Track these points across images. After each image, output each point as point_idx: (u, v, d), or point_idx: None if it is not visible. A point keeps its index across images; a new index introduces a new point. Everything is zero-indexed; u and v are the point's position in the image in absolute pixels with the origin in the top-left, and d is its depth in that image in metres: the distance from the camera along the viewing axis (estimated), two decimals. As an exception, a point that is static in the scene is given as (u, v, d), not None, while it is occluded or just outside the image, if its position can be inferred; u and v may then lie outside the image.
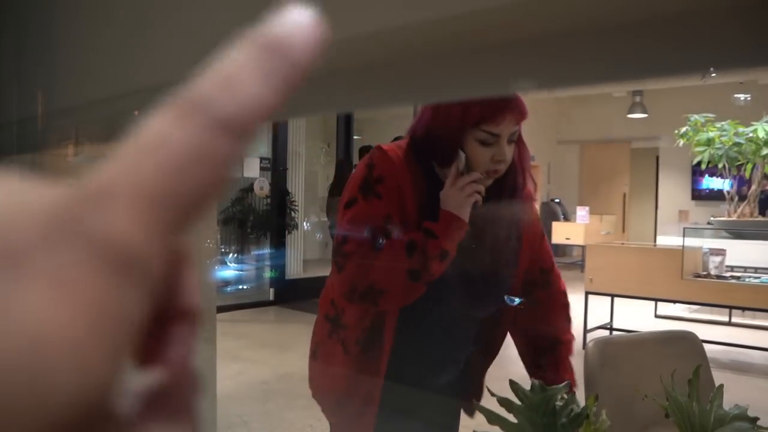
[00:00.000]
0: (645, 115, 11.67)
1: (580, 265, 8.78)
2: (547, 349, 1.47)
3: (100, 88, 0.92)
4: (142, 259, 0.17)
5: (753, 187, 5.75)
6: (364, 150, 7.33)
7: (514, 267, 1.44)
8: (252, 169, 7.78)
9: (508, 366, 1.54)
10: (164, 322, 0.21)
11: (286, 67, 0.19)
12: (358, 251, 1.28)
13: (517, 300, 1.45)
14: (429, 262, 1.27)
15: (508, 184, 1.38)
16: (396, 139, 5.51)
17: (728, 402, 0.86)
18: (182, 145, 0.17)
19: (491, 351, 1.52)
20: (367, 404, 1.38)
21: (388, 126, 10.13)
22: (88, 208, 0.16)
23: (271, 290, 7.62)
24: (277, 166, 7.76)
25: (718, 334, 5.62)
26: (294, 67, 0.19)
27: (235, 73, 0.18)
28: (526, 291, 1.47)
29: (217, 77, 0.18)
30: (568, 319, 1.51)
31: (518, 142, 1.34)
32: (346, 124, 8.19)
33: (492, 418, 0.71)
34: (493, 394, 0.77)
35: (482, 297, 1.42)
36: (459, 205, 1.29)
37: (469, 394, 1.51)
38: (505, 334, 1.52)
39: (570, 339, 1.48)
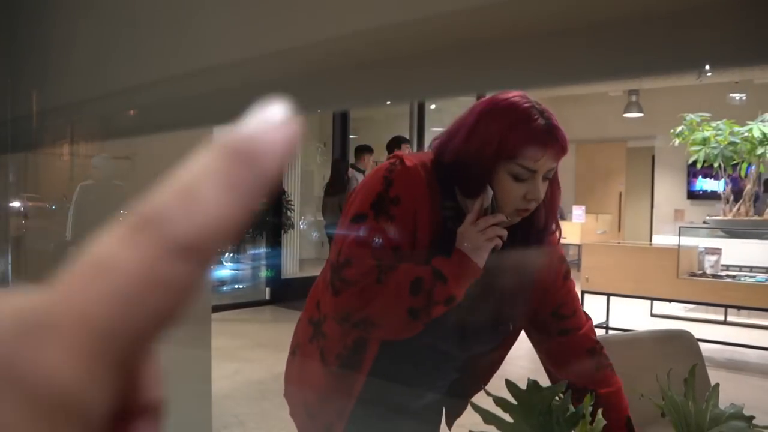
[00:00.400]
0: (641, 115, 11.68)
1: (576, 265, 8.80)
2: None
3: (94, 85, 0.92)
4: (80, 399, 0.15)
5: (748, 186, 5.77)
6: (359, 150, 7.32)
7: (521, 308, 1.34)
8: (247, 168, 7.76)
9: (504, 366, 1.53)
10: (125, 419, 0.19)
11: (254, 178, 0.17)
12: (360, 281, 1.17)
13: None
14: (433, 306, 1.16)
15: (534, 226, 1.27)
16: (394, 139, 5.48)
17: (724, 401, 0.86)
18: (131, 269, 0.16)
19: (481, 379, 1.40)
20: (337, 420, 1.32)
21: (385, 125, 10.13)
22: (26, 344, 0.15)
23: (267, 289, 7.62)
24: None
25: (713, 333, 5.62)
26: (263, 177, 0.17)
27: (196, 186, 0.16)
28: (538, 336, 1.36)
29: (176, 190, 0.16)
30: (601, 367, 1.32)
31: (552, 179, 1.22)
32: (341, 124, 8.18)
33: (488, 417, 0.71)
34: (489, 394, 0.77)
35: (477, 337, 1.32)
36: (476, 248, 1.17)
37: (450, 414, 1.46)
38: (499, 365, 1.41)
39: (610, 391, 1.28)
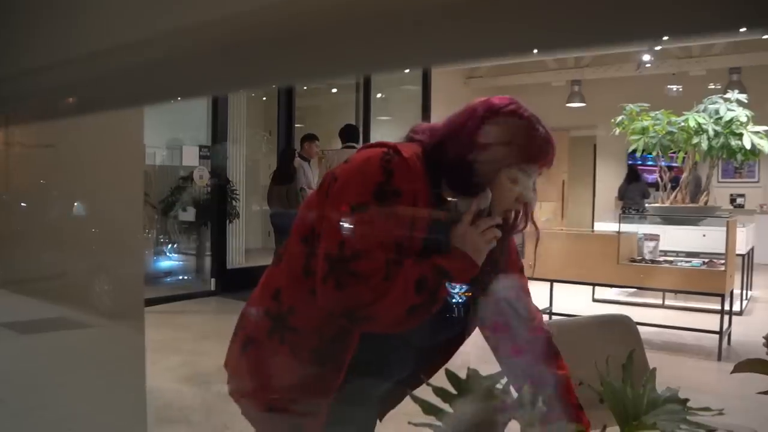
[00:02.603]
0: (583, 105, 11.91)
1: (520, 251, 8.95)
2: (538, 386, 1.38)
3: (29, 58, 0.86)
4: None
5: (684, 174, 5.95)
6: (303, 138, 7.24)
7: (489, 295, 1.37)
8: (191, 157, 7.61)
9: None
10: None
11: None
12: (372, 276, 1.13)
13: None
14: (435, 304, 1.18)
15: (509, 223, 1.32)
16: (347, 127, 5.46)
17: (663, 382, 0.87)
18: None
19: (437, 367, 1.41)
20: (312, 416, 1.27)
21: (330, 114, 10.06)
22: None
23: (213, 280, 7.49)
24: (217, 154, 7.61)
25: (652, 316, 5.79)
26: None
27: None
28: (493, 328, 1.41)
29: None
30: (553, 352, 1.42)
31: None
32: (287, 112, 8.08)
33: (427, 408, 0.70)
34: (428, 384, 0.75)
35: (456, 323, 1.35)
36: (477, 250, 1.22)
37: (393, 402, 1.45)
38: (458, 347, 1.43)
39: (564, 374, 1.38)
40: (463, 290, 1.32)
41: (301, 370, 1.26)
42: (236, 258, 8.12)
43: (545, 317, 5.63)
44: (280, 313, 1.27)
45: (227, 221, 7.76)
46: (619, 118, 5.98)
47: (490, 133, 1.22)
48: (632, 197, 9.56)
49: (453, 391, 0.73)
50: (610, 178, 12.49)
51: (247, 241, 8.72)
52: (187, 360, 4.62)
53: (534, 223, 1.38)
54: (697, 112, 5.59)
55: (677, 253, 5.82)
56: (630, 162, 9.82)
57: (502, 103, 1.25)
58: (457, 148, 1.23)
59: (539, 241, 1.43)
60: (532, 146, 1.22)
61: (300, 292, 1.24)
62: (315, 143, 7.15)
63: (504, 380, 0.75)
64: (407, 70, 8.38)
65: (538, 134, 1.23)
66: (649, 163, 8.33)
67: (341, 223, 1.16)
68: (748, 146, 5.34)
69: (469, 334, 1.42)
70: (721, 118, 5.42)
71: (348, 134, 6.54)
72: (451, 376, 0.74)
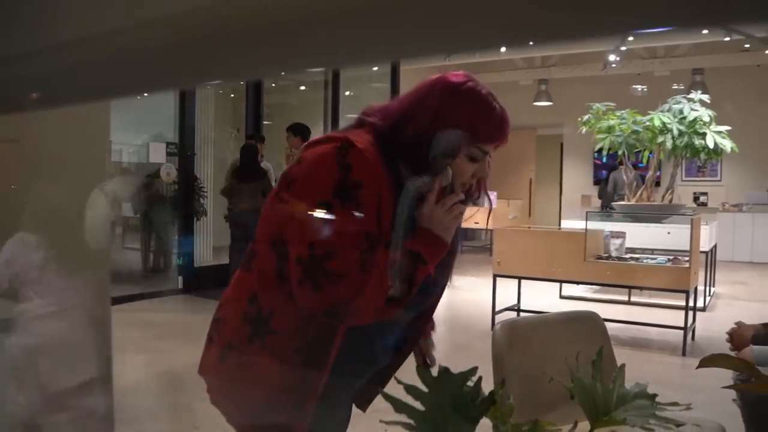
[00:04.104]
0: (550, 103, 12.04)
1: (488, 249, 9.01)
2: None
3: None
4: None
5: (649, 173, 6.04)
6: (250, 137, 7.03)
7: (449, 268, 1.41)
8: (158, 154, 7.50)
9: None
10: None
11: None
12: (347, 273, 1.13)
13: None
14: (413, 289, 1.19)
15: (468, 197, 1.34)
16: (301, 126, 5.41)
17: (629, 377, 0.87)
18: None
19: (412, 348, 1.48)
20: (299, 414, 1.25)
21: (299, 111, 10.01)
22: None
23: (180, 278, 7.40)
24: (184, 152, 7.51)
25: (618, 313, 5.88)
26: None
27: None
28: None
29: None
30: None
31: None
32: (255, 109, 8.00)
33: (399, 406, 0.69)
34: (399, 382, 0.75)
35: (428, 302, 1.38)
36: (446, 228, 1.23)
37: (372, 392, 1.46)
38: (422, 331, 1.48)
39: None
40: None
41: (286, 372, 1.25)
42: (204, 256, 8.03)
43: (513, 314, 5.67)
44: (260, 317, 1.25)
45: (195, 219, 7.67)
46: (586, 117, 6.04)
47: (449, 112, 1.21)
48: (609, 196, 9.79)
49: (424, 388, 0.72)
50: (576, 177, 12.66)
51: (215, 239, 8.63)
52: (153, 358, 4.56)
53: (487, 194, 1.40)
54: (661, 111, 5.68)
55: (643, 250, 5.91)
56: (615, 161, 9.98)
57: (460, 80, 1.24)
58: (416, 130, 1.22)
59: (491, 212, 1.49)
60: (491, 125, 1.23)
61: (278, 295, 1.23)
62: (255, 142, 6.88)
63: (475, 378, 0.75)
64: (375, 68, 8.37)
65: (496, 113, 1.23)
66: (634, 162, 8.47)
67: (307, 225, 1.15)
68: (711, 145, 5.44)
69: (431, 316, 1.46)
70: (685, 117, 5.52)
71: (305, 132, 6.42)
72: (423, 374, 0.73)
